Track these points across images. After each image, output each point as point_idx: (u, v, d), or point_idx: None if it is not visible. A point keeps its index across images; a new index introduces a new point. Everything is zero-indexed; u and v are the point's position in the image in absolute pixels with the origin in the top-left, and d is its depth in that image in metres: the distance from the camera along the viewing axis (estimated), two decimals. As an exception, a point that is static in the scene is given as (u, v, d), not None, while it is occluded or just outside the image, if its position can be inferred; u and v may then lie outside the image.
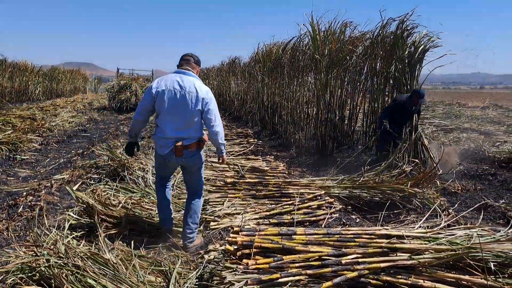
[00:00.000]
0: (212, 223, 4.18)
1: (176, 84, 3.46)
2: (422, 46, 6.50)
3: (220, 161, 3.85)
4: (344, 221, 4.32)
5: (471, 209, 4.65)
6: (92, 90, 39.91)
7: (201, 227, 4.21)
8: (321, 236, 3.09)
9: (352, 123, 8.88)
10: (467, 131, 10.87)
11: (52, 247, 2.97)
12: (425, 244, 2.95)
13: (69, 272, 2.65)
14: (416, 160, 5.41)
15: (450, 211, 4.72)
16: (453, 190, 5.57)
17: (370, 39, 7.52)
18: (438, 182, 5.22)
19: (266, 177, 6.26)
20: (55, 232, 3.30)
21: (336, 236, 3.11)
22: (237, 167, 6.37)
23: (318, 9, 7.80)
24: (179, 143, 3.47)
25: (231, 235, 3.02)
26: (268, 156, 7.14)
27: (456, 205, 5.04)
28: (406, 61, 6.72)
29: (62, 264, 2.69)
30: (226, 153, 7.03)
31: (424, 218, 3.76)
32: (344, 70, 7.93)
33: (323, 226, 4.30)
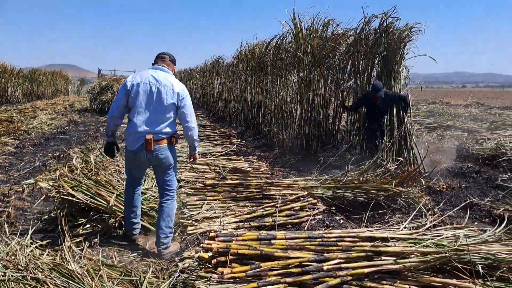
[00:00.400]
0: (189, 228, 3.97)
1: (151, 77, 3.44)
2: (402, 37, 6.43)
3: (192, 159, 3.84)
4: (328, 223, 4.17)
5: (456, 208, 4.55)
6: (75, 92, 39.25)
7: (178, 232, 4.01)
8: (302, 240, 2.91)
9: (336, 122, 8.76)
10: (450, 128, 10.88)
11: (11, 258, 2.73)
12: (411, 246, 2.81)
13: (27, 286, 2.42)
14: (401, 159, 5.28)
15: (436, 210, 4.61)
16: (438, 189, 5.47)
17: (353, 36, 7.41)
18: (423, 180, 5.11)
19: (248, 178, 6.07)
20: (17, 241, 3.06)
21: (318, 240, 2.94)
22: (218, 168, 6.18)
23: (300, 6, 7.69)
24: (150, 136, 3.38)
25: (206, 241, 2.82)
26: (251, 157, 6.96)
27: (441, 204, 4.94)
28: (384, 56, 6.69)
29: (20, 278, 2.46)
30: (208, 154, 6.82)
31: (409, 219, 3.62)
32: (327, 68, 7.80)
33: (305, 228, 4.14)
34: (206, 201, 4.48)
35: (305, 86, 7.71)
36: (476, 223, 4.35)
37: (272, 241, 2.90)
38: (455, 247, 2.72)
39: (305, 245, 2.83)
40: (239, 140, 9.22)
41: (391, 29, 6.63)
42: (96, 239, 3.63)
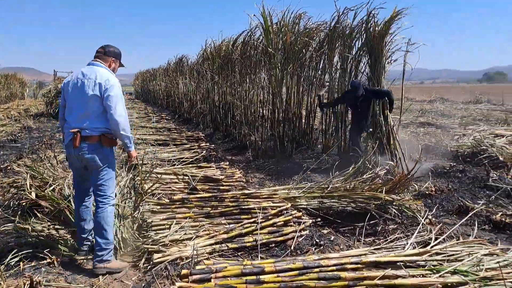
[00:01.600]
0: (155, 256, 3.33)
1: (80, 74, 3.30)
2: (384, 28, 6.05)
3: (128, 157, 3.45)
4: (317, 240, 3.64)
5: (452, 215, 4.16)
6: (31, 95, 37.14)
7: (143, 261, 3.37)
8: (297, 273, 2.37)
9: (310, 121, 8.32)
10: (423, 125, 10.69)
11: None
12: (428, 275, 2.32)
13: None
14: (391, 163, 4.84)
15: (431, 218, 4.20)
16: (427, 192, 5.08)
17: (327, 29, 6.96)
18: (416, 186, 4.69)
19: (221, 188, 5.50)
20: None
21: (316, 270, 2.40)
22: (187, 177, 5.54)
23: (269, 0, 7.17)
24: (75, 131, 3.18)
25: (178, 284, 2.21)
26: (223, 163, 6.36)
27: (434, 209, 4.54)
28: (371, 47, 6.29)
29: None
30: (175, 161, 6.16)
31: (414, 237, 3.14)
32: (300, 65, 7.32)
33: (292, 247, 3.60)
34: (175, 220, 3.85)
35: (277, 85, 7.18)
36: (475, 230, 3.95)
37: (260, 277, 2.33)
38: (481, 273, 2.25)
39: (303, 281, 2.28)
40: (208, 143, 8.58)
41: (372, 21, 6.23)
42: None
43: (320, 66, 7.92)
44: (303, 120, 8.19)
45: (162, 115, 16.44)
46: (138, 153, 7.57)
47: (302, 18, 7.11)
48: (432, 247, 2.95)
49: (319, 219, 4.29)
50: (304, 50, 7.05)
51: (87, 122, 3.18)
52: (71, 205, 3.88)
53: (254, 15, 7.02)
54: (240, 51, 8.98)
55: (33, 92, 38.09)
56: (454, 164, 6.44)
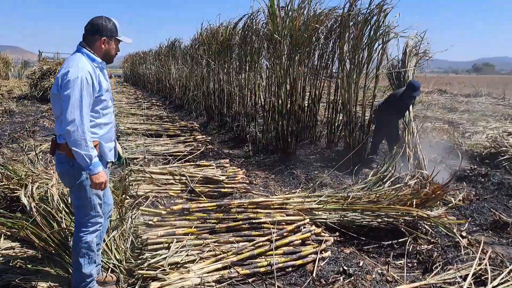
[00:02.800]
0: (152, 284, 2.75)
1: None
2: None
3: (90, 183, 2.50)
4: (345, 267, 3.07)
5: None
6: (16, 76, 35.74)
7: (137, 291, 2.78)
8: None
9: (313, 114, 7.74)
10: (430, 120, 10.19)
11: None
12: None
13: None
14: (425, 172, 4.27)
15: (464, 233, 3.68)
16: (450, 199, 4.55)
17: (338, 14, 6.33)
18: (453, 199, 4.14)
19: (223, 190, 4.93)
20: None
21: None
22: (184, 178, 4.94)
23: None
24: (53, 136, 2.54)
25: None
26: (223, 160, 5.75)
27: (467, 224, 4.02)
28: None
29: None
30: (171, 158, 5.52)
31: (463, 267, 2.59)
32: (308, 54, 6.69)
33: (314, 274, 3.04)
34: (175, 237, 3.25)
35: (284, 74, 6.55)
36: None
37: None
38: None
39: None
40: (204, 136, 7.95)
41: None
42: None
43: (327, 55, 7.33)
44: (307, 112, 7.62)
45: (153, 101, 15.69)
46: (127, 145, 6.93)
47: (314, 2, 6.46)
48: None
49: (337, 234, 3.75)
50: (314, 37, 6.40)
51: (58, 128, 2.49)
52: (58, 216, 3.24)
53: (260, -3, 6.33)
54: (240, 36, 8.29)
55: (18, 72, 36.72)
56: (475, 167, 5.93)
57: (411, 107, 6.18)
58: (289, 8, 6.30)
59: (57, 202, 3.29)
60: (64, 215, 3.17)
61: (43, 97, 15.43)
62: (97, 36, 2.50)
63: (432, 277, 2.76)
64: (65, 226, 3.08)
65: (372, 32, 6.01)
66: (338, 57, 6.92)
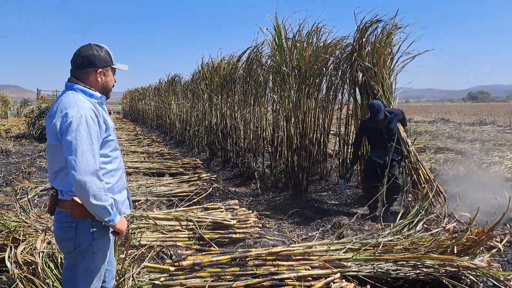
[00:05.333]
0: None
1: (51, 109, 2.08)
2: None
3: (115, 233, 2.13)
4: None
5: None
6: (14, 114, 35.67)
7: None
8: None
9: (323, 148, 7.38)
10: (441, 150, 9.83)
11: None
12: None
13: None
14: (467, 214, 3.84)
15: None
16: (490, 244, 4.11)
17: (350, 45, 6.09)
18: (500, 245, 3.70)
19: (234, 236, 4.48)
20: None
21: None
22: (191, 223, 4.50)
23: (283, 10, 6.36)
24: (52, 191, 2.09)
25: None
26: (232, 202, 5.32)
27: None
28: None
29: None
30: (175, 199, 5.10)
31: None
32: (318, 85, 6.40)
33: None
34: (186, 300, 2.80)
35: (292, 108, 6.23)
36: None
37: None
38: None
39: None
40: (208, 174, 7.54)
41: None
42: None
43: (336, 87, 7.05)
44: (316, 147, 7.26)
45: (153, 137, 15.37)
46: (129, 187, 6.51)
47: (322, 32, 6.24)
48: None
49: (368, 287, 3.29)
50: (324, 68, 6.14)
51: (57, 182, 2.06)
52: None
53: (267, 29, 6.10)
54: (244, 69, 8.05)
55: (17, 111, 36.70)
56: (503, 202, 5.50)
57: (401, 131, 5.52)
58: (296, 39, 6.07)
59: (43, 265, 2.84)
60: (53, 280, 2.73)
61: (41, 135, 15.16)
62: (90, 69, 2.08)
63: None
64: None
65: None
66: (348, 88, 6.66)
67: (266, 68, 7.37)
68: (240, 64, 8.30)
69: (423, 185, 4.61)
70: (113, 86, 2.23)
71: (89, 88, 2.09)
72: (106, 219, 1.98)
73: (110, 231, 2.14)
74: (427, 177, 5.22)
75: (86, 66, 2.08)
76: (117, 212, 2.06)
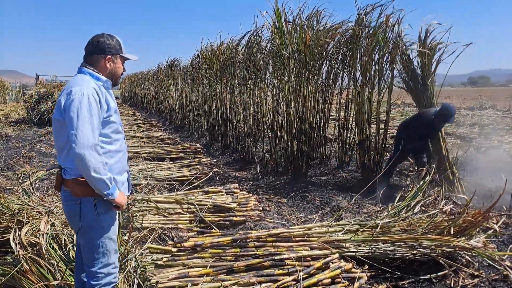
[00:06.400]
0: None
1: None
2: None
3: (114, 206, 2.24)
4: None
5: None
6: (13, 100, 35.54)
7: None
8: None
9: (322, 133, 7.40)
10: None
11: None
12: None
13: None
14: (465, 197, 3.89)
15: (508, 264, 3.29)
16: (487, 225, 4.18)
17: (349, 28, 6.06)
18: (496, 226, 3.76)
19: (234, 219, 4.55)
20: None
21: None
22: (192, 206, 4.56)
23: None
24: (58, 169, 2.21)
25: None
26: (232, 185, 5.38)
27: (508, 250, 3.63)
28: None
29: None
30: (176, 183, 5.16)
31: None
32: (318, 70, 6.40)
33: (350, 320, 2.65)
34: (188, 279, 2.86)
35: (292, 92, 6.24)
36: None
37: None
38: None
39: None
40: (209, 158, 7.58)
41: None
42: None
43: (336, 71, 7.04)
44: (316, 132, 7.29)
45: (152, 122, 15.37)
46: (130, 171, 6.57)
47: (322, 16, 6.20)
48: None
49: (366, 267, 3.36)
50: (324, 52, 6.12)
51: (63, 160, 2.17)
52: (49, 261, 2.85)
53: (267, 12, 6.07)
54: (244, 53, 8.01)
55: (16, 96, 36.56)
56: (500, 185, 5.55)
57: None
58: (296, 22, 6.04)
59: (47, 246, 2.90)
60: (57, 261, 2.79)
61: (40, 120, 15.16)
62: (100, 55, 2.24)
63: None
64: (59, 278, 2.69)
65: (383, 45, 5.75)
66: (348, 72, 6.65)
67: (266, 52, 7.34)
68: (240, 48, 8.25)
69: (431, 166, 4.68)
70: (122, 74, 2.38)
71: (97, 72, 2.22)
72: (105, 192, 2.10)
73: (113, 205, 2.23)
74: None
75: (97, 53, 2.23)
76: (116, 187, 2.17)
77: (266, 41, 7.40)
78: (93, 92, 2.09)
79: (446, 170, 5.20)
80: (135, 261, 3.16)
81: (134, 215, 4.23)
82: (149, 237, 3.85)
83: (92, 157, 2.00)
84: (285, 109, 6.59)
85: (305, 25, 5.87)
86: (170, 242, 3.50)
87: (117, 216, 2.31)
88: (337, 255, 3.16)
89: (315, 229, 3.68)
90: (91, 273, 2.20)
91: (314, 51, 5.91)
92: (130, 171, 6.58)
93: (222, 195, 5.02)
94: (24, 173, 6.96)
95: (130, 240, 3.64)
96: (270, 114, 7.60)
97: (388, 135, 6.53)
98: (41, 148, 9.85)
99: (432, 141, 5.80)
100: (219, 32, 12.52)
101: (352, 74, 6.34)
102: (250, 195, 5.16)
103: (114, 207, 2.21)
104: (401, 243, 3.37)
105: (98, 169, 2.02)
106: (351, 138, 7.03)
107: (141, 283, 2.90)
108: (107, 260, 2.22)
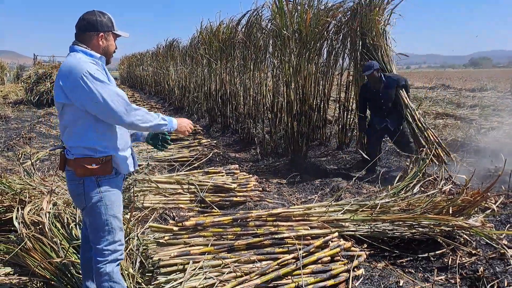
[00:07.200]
0: (169, 316, 2.40)
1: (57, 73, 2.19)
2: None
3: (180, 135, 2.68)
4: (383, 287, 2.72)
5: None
6: (11, 80, 35.32)
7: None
8: None
9: (322, 114, 7.39)
10: (440, 116, 9.85)
11: None
12: None
13: None
14: (464, 177, 3.91)
15: (506, 243, 3.33)
16: (486, 205, 4.21)
17: (349, 9, 5.99)
18: (494, 206, 3.79)
19: (235, 199, 4.58)
20: None
21: None
22: (193, 187, 4.58)
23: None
24: (61, 150, 2.24)
25: None
26: (232, 166, 5.39)
27: (506, 229, 3.67)
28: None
29: None
30: (176, 164, 5.18)
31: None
32: (319, 50, 6.34)
33: (349, 296, 2.70)
34: (190, 257, 2.90)
35: (293, 73, 6.20)
36: None
37: None
38: None
39: None
40: (209, 140, 7.59)
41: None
42: None
43: (337, 51, 6.97)
44: (316, 113, 7.27)
45: (152, 104, 15.32)
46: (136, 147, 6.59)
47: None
48: None
49: (365, 245, 3.41)
50: (325, 32, 6.05)
51: (66, 140, 2.19)
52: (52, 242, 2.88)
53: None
54: (244, 33, 7.93)
55: (13, 77, 36.28)
56: (499, 166, 5.58)
57: (405, 98, 5.50)
58: (297, 1, 5.96)
59: (49, 225, 2.93)
60: (60, 239, 2.82)
61: (39, 101, 15.10)
62: (92, 32, 2.21)
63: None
64: (62, 256, 2.73)
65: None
66: (348, 53, 6.60)
67: (266, 32, 7.27)
68: (240, 28, 8.16)
69: (429, 146, 4.67)
70: (114, 51, 2.36)
71: (90, 50, 2.20)
72: (166, 130, 2.25)
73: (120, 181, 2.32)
74: (435, 139, 5.30)
75: (89, 30, 2.20)
76: (170, 118, 2.28)
77: (267, 21, 7.33)
78: (94, 67, 2.11)
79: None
80: (137, 239, 3.21)
81: (135, 195, 4.26)
82: (151, 217, 3.88)
83: (136, 117, 2.10)
84: (285, 90, 6.56)
85: (306, 4, 5.79)
86: (171, 221, 3.54)
87: (121, 194, 2.32)
88: (336, 234, 3.20)
89: (315, 209, 3.71)
90: (98, 250, 2.24)
91: (314, 31, 5.85)
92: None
93: (222, 175, 5.04)
94: (24, 154, 6.97)
95: (132, 219, 3.68)
96: (270, 95, 7.56)
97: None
98: (41, 129, 9.85)
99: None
100: (218, 11, 12.25)
101: (353, 54, 6.28)
102: (250, 176, 5.18)
103: (179, 133, 2.34)
104: (400, 223, 3.40)
105: (147, 120, 2.14)
106: (351, 119, 7.02)
107: (144, 261, 2.94)
108: (113, 237, 2.25)
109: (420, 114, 5.59)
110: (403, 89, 5.52)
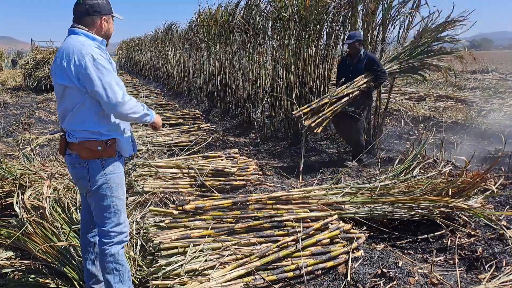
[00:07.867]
0: (170, 298, 2.42)
1: (57, 54, 2.17)
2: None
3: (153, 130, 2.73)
4: (383, 270, 2.73)
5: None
6: (9, 66, 35.10)
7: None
8: None
9: (320, 97, 7.33)
10: (441, 98, 9.80)
11: None
12: None
13: None
14: (463, 158, 3.90)
15: (505, 224, 3.35)
16: (485, 187, 4.22)
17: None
18: (494, 187, 3.80)
19: (235, 183, 4.59)
20: None
21: None
22: (193, 171, 4.59)
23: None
24: (62, 134, 2.22)
25: None
26: (232, 150, 5.39)
27: (505, 211, 3.68)
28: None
29: None
30: (176, 149, 5.17)
31: None
32: (318, 32, 6.26)
33: (348, 278, 2.72)
34: (190, 240, 2.92)
35: (292, 56, 6.14)
36: None
37: None
38: None
39: None
40: (208, 124, 7.57)
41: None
42: None
43: (337, 33, 6.89)
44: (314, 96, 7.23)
45: (151, 89, 15.23)
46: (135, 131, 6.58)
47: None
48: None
49: (364, 228, 3.43)
50: (324, 14, 5.97)
51: (68, 123, 2.18)
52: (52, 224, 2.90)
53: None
54: (242, 16, 7.83)
55: (10, 64, 36.04)
56: (500, 147, 5.58)
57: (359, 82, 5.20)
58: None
59: (50, 209, 2.94)
60: (61, 223, 2.84)
61: (38, 87, 15.04)
62: (96, 16, 2.21)
63: (488, 280, 2.44)
64: (63, 239, 2.75)
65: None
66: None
67: (265, 14, 7.17)
68: (239, 10, 8.06)
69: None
70: (111, 32, 2.37)
71: (92, 33, 2.20)
72: (148, 121, 2.29)
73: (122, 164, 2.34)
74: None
75: (92, 14, 2.19)
76: (151, 110, 2.34)
77: (266, 3, 7.24)
78: (98, 51, 2.11)
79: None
80: (136, 224, 3.23)
81: (135, 179, 4.26)
82: (151, 201, 3.89)
83: (129, 107, 2.12)
84: (284, 73, 6.52)
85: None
86: (171, 205, 3.55)
87: (123, 176, 2.34)
88: (336, 216, 3.21)
89: (315, 192, 3.72)
90: (103, 232, 2.26)
91: (314, 13, 5.77)
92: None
93: (222, 160, 5.04)
94: (24, 140, 6.97)
95: (133, 203, 3.70)
96: (269, 79, 7.51)
97: (390, 100, 6.50)
98: (40, 114, 9.82)
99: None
100: (216, -6, 12.06)
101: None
102: (250, 159, 5.18)
103: (153, 128, 2.42)
104: (400, 205, 3.42)
105: (136, 110, 2.19)
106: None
107: (144, 244, 2.96)
108: (118, 219, 2.28)
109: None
110: (374, 74, 5.17)
